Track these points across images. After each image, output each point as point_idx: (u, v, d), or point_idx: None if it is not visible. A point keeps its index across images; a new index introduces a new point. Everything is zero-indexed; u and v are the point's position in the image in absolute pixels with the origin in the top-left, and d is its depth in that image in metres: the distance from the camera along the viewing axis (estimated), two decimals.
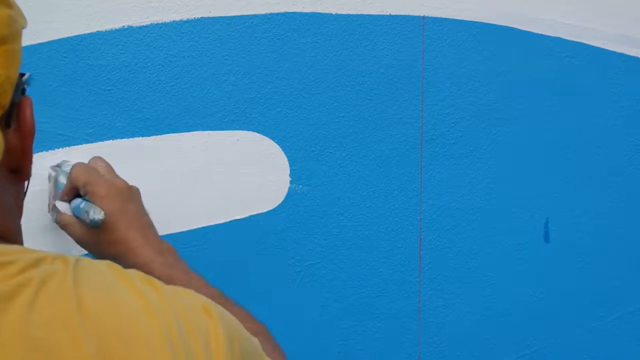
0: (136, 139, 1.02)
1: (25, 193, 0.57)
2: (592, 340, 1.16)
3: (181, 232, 1.03)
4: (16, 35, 0.49)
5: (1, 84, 0.46)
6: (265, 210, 1.06)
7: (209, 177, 1.04)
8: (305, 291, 1.07)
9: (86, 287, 0.45)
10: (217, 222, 1.04)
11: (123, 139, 1.01)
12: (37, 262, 0.45)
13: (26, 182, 0.55)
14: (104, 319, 0.44)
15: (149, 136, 1.02)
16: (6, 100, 0.47)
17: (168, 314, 0.46)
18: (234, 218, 1.05)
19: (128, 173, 1.02)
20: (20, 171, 0.52)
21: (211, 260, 1.04)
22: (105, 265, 0.49)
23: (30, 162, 0.52)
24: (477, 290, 1.12)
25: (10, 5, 0.49)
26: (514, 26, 1.14)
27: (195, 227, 1.04)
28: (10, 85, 0.47)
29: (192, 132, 1.04)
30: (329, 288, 1.08)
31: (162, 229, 1.03)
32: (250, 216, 1.05)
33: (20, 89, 0.51)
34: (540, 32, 1.15)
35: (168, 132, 1.03)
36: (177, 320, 0.46)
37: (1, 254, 0.45)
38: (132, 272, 0.50)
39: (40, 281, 0.44)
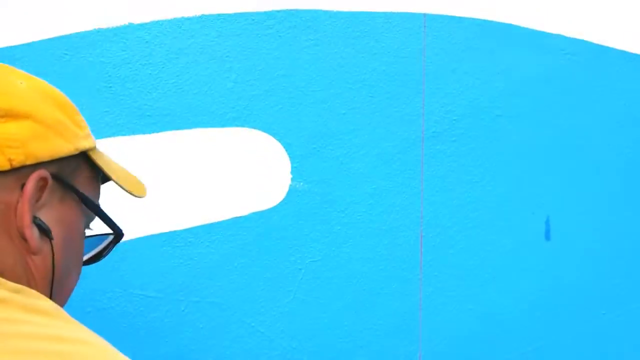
0: (137, 136, 1.02)
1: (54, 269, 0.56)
2: (594, 337, 1.16)
3: (182, 230, 1.03)
4: (56, 128, 0.58)
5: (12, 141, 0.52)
6: (266, 208, 1.06)
7: (210, 174, 1.04)
8: (306, 288, 1.07)
9: None
10: (219, 219, 1.04)
11: (124, 136, 1.01)
12: None
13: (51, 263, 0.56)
14: None
15: (150, 133, 1.02)
16: (10, 158, 0.51)
17: None
18: (235, 215, 1.05)
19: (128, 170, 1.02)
20: (26, 239, 0.53)
21: (212, 257, 1.04)
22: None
23: (28, 228, 0.53)
24: (479, 288, 1.12)
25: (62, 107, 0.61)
26: (515, 23, 1.14)
27: (196, 225, 1.04)
28: (23, 153, 0.52)
29: (193, 129, 1.04)
30: (330, 285, 1.07)
31: (163, 227, 1.04)
32: (252, 213, 1.05)
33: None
34: (541, 30, 1.14)
35: (169, 129, 1.03)
36: None
37: None
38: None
39: None
